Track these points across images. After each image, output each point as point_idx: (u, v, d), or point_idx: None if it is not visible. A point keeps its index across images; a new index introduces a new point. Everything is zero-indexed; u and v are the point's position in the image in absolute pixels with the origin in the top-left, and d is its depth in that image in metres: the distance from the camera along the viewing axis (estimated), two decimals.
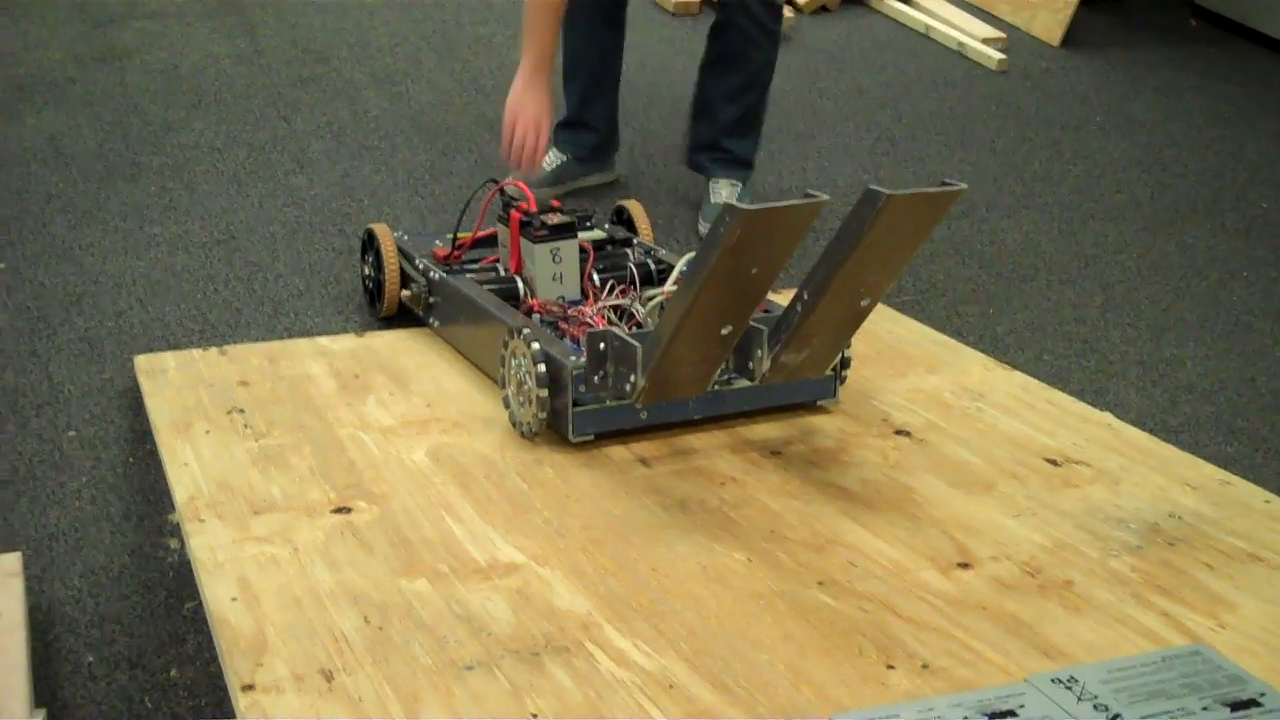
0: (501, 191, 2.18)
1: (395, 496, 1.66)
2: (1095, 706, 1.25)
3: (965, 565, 1.54)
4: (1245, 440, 2.33)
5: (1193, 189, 3.41)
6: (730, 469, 1.75)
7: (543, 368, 1.75)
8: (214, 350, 2.09)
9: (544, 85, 2.48)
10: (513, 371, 1.82)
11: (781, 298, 1.87)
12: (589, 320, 1.93)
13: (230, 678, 1.30)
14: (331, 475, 1.71)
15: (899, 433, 1.87)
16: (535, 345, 1.77)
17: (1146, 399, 2.43)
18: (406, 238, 2.31)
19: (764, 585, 1.49)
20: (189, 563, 1.57)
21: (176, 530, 1.77)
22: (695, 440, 1.83)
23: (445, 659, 1.33)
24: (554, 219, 2.08)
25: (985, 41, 4.16)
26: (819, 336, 1.68)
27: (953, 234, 2.98)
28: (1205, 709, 1.26)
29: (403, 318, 2.27)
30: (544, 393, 1.75)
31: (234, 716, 1.27)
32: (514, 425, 1.83)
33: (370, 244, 2.31)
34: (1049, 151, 3.53)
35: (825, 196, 1.53)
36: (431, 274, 2.16)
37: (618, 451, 1.79)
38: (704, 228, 2.73)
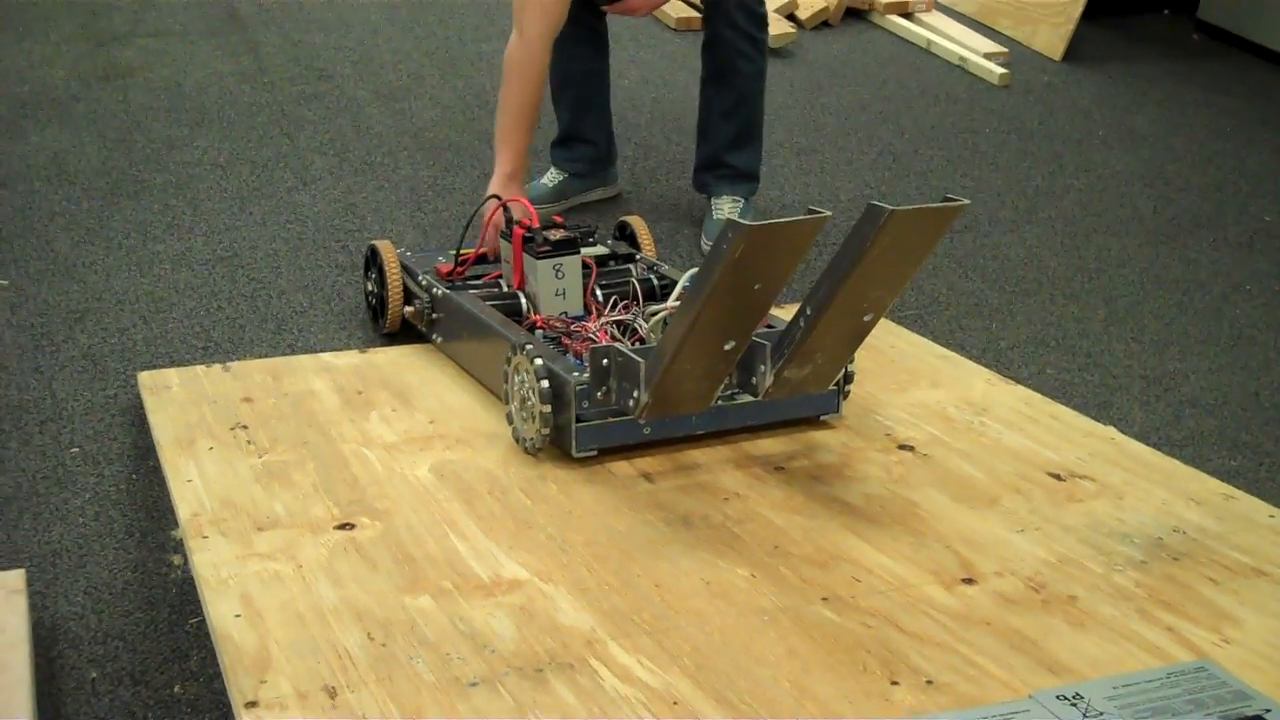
0: (505, 208, 2.19)
1: (398, 512, 1.66)
2: None
3: (969, 580, 1.54)
4: (1249, 454, 2.33)
5: (1195, 202, 3.41)
6: (734, 484, 1.75)
7: (546, 383, 1.75)
8: (217, 367, 2.09)
9: (519, 190, 2.48)
10: (516, 387, 1.82)
11: (784, 313, 1.87)
12: (592, 336, 1.93)
13: (234, 694, 1.30)
14: (335, 491, 1.71)
15: (902, 447, 1.87)
16: (538, 361, 1.77)
17: (1150, 413, 2.43)
18: (409, 254, 2.32)
19: (768, 601, 1.49)
20: (192, 579, 1.57)
21: (180, 546, 1.77)
22: (698, 455, 1.83)
23: (449, 676, 1.33)
24: (557, 235, 2.08)
25: (987, 56, 4.17)
26: (822, 352, 1.68)
27: (955, 248, 2.98)
28: None
29: (406, 334, 2.28)
30: (547, 408, 1.75)
31: None
32: (517, 441, 1.83)
33: (373, 260, 2.31)
34: (1051, 166, 3.54)
35: (828, 212, 1.53)
36: (434, 290, 2.16)
37: (621, 467, 1.78)
38: (706, 245, 2.74)
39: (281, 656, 1.35)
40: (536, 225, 2.10)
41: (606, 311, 2.04)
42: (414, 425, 1.90)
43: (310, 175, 3.01)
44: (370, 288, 2.34)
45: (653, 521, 1.65)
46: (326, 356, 2.14)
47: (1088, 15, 4.33)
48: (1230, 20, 4.71)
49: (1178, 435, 2.36)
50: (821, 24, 4.39)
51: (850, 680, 1.35)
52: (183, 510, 1.65)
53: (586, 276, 2.12)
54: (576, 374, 1.75)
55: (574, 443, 1.77)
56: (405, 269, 2.26)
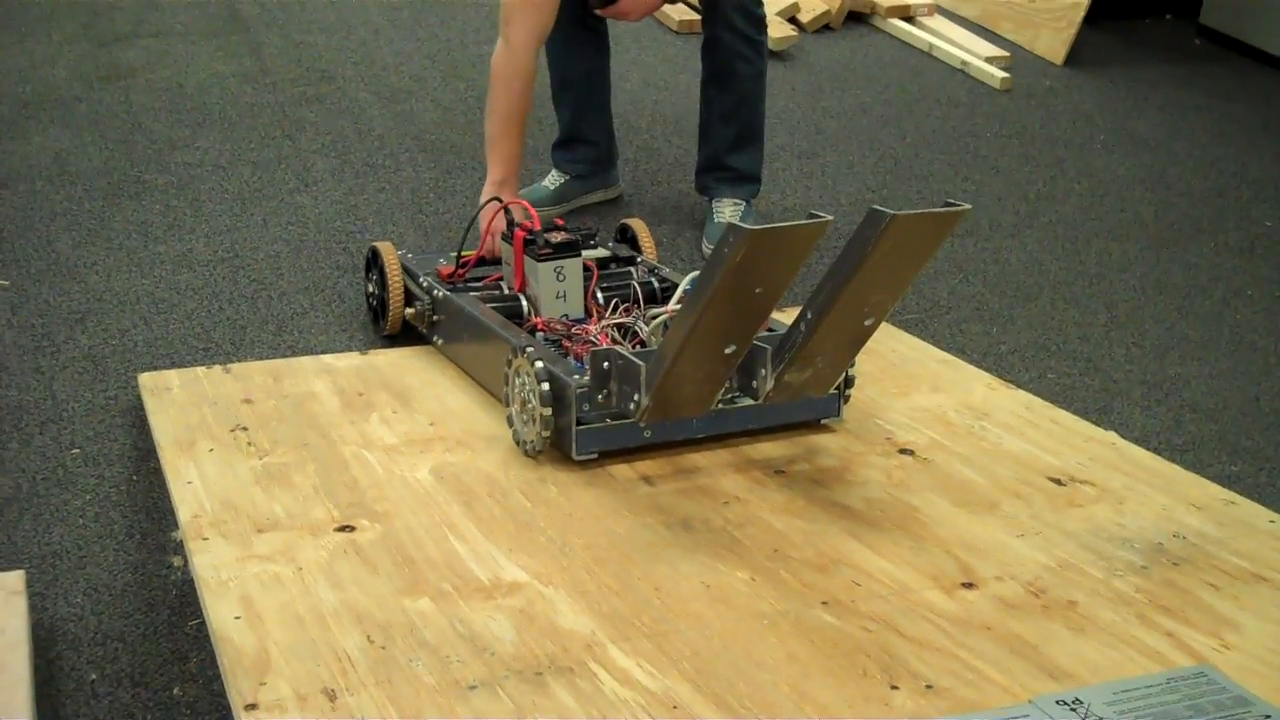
0: (506, 210, 2.19)
1: (398, 515, 1.66)
2: None
3: (969, 585, 1.54)
4: (1250, 460, 2.33)
5: (1196, 207, 3.41)
6: (734, 488, 1.75)
7: (546, 386, 1.75)
8: (218, 368, 2.09)
9: (513, 194, 2.48)
10: (516, 390, 1.82)
11: (785, 316, 1.87)
12: (593, 339, 1.93)
13: (233, 696, 1.30)
14: (335, 494, 1.71)
15: (903, 451, 1.87)
16: (539, 364, 1.77)
17: (1151, 418, 2.43)
18: (410, 256, 2.32)
19: (768, 605, 1.49)
20: (192, 581, 1.57)
21: (180, 548, 1.77)
22: (699, 459, 1.83)
23: (448, 679, 1.33)
24: (558, 237, 2.08)
25: (989, 60, 4.17)
26: (823, 355, 1.68)
27: (956, 252, 2.98)
28: None
29: (406, 336, 2.28)
30: (547, 411, 1.75)
31: None
32: (517, 444, 1.83)
33: (374, 262, 2.31)
34: (1053, 170, 3.54)
35: (829, 216, 1.53)
36: (435, 292, 2.16)
37: (621, 470, 1.78)
38: (707, 248, 2.74)
39: (281, 659, 1.35)
40: (538, 228, 2.10)
41: (607, 314, 2.04)
42: (414, 427, 1.90)
43: (311, 176, 3.01)
44: (371, 289, 2.34)
45: (653, 525, 1.65)
46: (327, 358, 2.14)
47: (1090, 20, 4.33)
48: (1232, 25, 4.72)
49: (1178, 440, 2.36)
50: (823, 27, 4.39)
51: (850, 684, 1.34)
52: (183, 512, 1.65)
53: (587, 279, 2.12)
54: (577, 377, 1.75)
55: (574, 445, 1.77)
56: (406, 271, 2.26)
